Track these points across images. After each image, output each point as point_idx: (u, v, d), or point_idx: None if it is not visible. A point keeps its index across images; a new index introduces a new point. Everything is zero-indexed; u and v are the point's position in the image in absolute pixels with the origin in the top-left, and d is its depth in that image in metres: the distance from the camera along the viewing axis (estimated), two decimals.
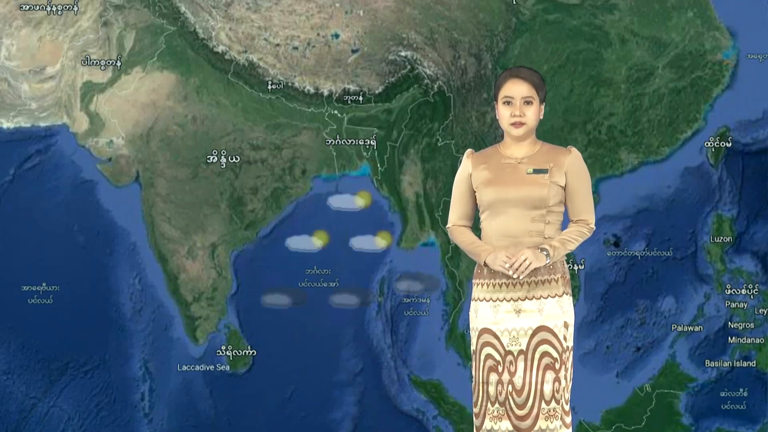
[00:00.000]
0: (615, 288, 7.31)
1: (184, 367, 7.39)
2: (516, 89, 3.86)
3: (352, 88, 7.32)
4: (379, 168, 7.29)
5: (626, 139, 7.25)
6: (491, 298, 3.86)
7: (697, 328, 7.24)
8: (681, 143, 7.24)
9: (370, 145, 7.28)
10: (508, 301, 3.83)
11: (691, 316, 7.27)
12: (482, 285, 3.89)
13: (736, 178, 7.23)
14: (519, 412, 3.78)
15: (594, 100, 7.25)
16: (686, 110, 7.24)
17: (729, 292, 7.21)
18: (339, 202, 7.19)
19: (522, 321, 3.80)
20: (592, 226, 3.93)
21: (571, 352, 3.85)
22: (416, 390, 7.38)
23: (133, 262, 7.43)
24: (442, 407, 7.36)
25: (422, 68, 7.32)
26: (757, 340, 7.19)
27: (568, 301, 3.84)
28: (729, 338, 7.20)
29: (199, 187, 7.37)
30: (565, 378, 3.80)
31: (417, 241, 7.37)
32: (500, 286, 3.85)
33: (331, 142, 7.28)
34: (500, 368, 3.80)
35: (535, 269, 3.81)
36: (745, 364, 7.19)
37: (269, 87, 7.33)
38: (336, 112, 7.31)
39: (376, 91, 7.33)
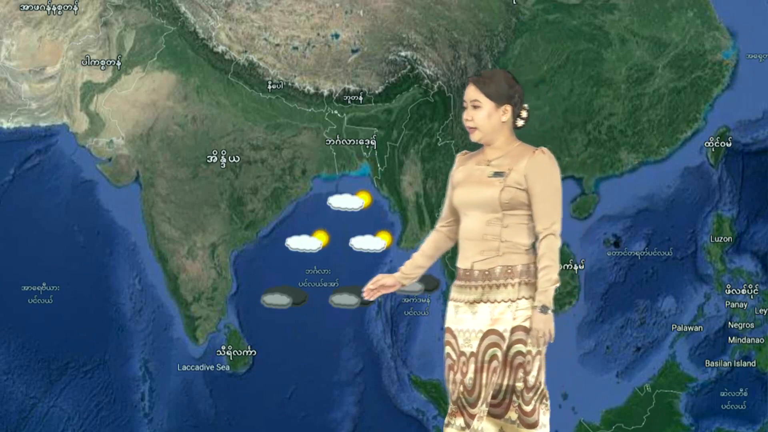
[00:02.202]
0: (615, 288, 7.31)
1: (184, 367, 7.39)
2: (466, 93, 3.87)
3: (352, 88, 7.32)
4: (379, 168, 7.30)
5: (626, 139, 7.25)
6: (456, 299, 3.90)
7: (697, 328, 7.24)
8: (681, 143, 7.24)
9: (370, 145, 7.28)
10: (465, 303, 3.85)
11: (691, 316, 7.27)
12: (453, 286, 3.95)
13: (736, 178, 7.23)
14: (471, 411, 3.81)
15: (594, 100, 7.25)
16: (686, 110, 7.24)
17: (729, 292, 7.21)
18: (339, 202, 7.19)
19: (475, 323, 3.82)
20: (553, 230, 3.84)
21: (537, 357, 3.82)
22: (416, 390, 7.38)
23: (133, 262, 7.43)
24: (442, 407, 7.37)
25: (422, 68, 7.32)
26: (757, 340, 7.19)
27: (527, 306, 3.81)
28: (729, 338, 7.20)
29: (199, 187, 7.38)
30: (524, 381, 3.81)
31: (417, 241, 7.37)
32: (462, 288, 3.88)
33: (331, 142, 7.28)
34: (455, 368, 3.84)
35: (491, 273, 3.81)
36: (745, 364, 7.19)
37: (269, 87, 7.33)
38: (336, 112, 7.31)
39: (376, 91, 7.33)
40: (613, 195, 7.26)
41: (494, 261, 3.82)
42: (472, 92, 3.86)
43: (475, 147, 3.95)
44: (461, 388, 3.83)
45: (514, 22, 7.31)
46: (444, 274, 7.30)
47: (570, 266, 7.23)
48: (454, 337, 3.88)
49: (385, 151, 7.30)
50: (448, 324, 3.91)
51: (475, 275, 3.84)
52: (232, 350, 7.35)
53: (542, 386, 3.90)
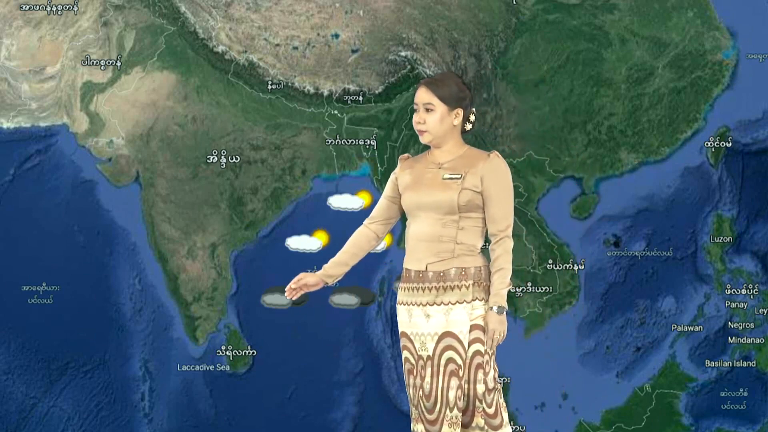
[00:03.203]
0: (615, 288, 7.31)
1: (184, 367, 7.39)
2: (418, 96, 3.91)
3: (352, 88, 7.32)
4: (379, 168, 7.30)
5: (626, 139, 7.25)
6: (406, 302, 3.91)
7: (697, 328, 7.24)
8: (681, 143, 7.24)
9: (370, 145, 7.28)
10: (418, 305, 3.86)
11: (691, 316, 7.27)
12: (401, 288, 3.95)
13: (736, 178, 7.23)
14: (429, 417, 3.82)
15: (594, 100, 7.25)
16: (686, 110, 7.24)
17: (729, 292, 7.21)
18: (339, 202, 7.19)
19: (429, 326, 3.83)
20: (508, 233, 3.87)
21: (493, 356, 3.83)
22: None
23: (133, 262, 7.43)
24: None
25: (422, 68, 7.32)
26: (757, 340, 7.19)
27: (482, 307, 3.82)
28: (729, 338, 7.20)
29: (199, 187, 7.38)
30: (485, 382, 3.81)
31: None
32: (412, 290, 3.89)
33: (331, 142, 7.28)
34: (414, 372, 3.85)
35: (446, 275, 3.82)
36: (745, 364, 7.19)
37: (269, 87, 7.33)
38: (336, 112, 7.31)
39: (376, 91, 7.33)
40: (613, 195, 7.26)
41: (450, 263, 3.85)
42: (425, 95, 3.90)
43: (421, 150, 3.98)
44: (420, 393, 3.85)
45: (514, 22, 7.30)
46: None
47: (570, 266, 7.23)
48: (411, 341, 3.89)
49: (385, 151, 7.30)
50: (402, 329, 3.93)
51: (429, 277, 3.87)
52: (232, 350, 7.35)
53: (498, 385, 3.92)
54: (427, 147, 3.95)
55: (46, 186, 7.42)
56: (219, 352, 7.37)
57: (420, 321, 3.82)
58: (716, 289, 7.25)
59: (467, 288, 3.79)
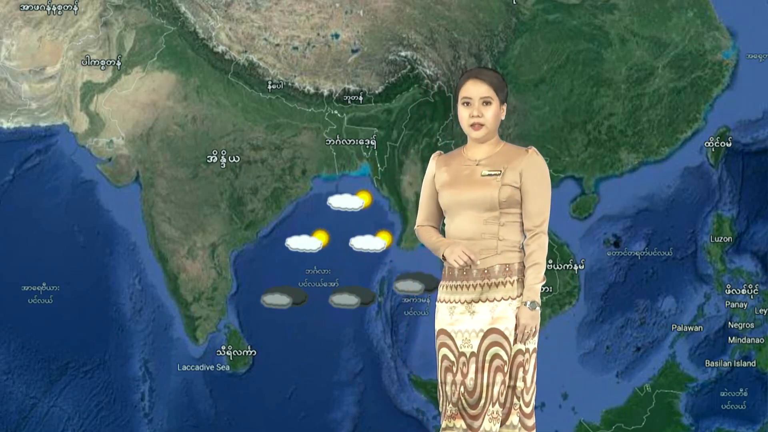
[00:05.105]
0: (615, 288, 7.31)
1: (184, 367, 7.39)
2: (474, 89, 3.84)
3: (352, 88, 7.32)
4: (379, 168, 7.30)
5: (626, 139, 7.25)
6: (449, 300, 3.88)
7: (697, 328, 7.25)
8: (681, 143, 7.25)
9: (370, 145, 7.28)
10: (462, 303, 3.84)
11: (691, 316, 7.27)
12: (443, 287, 3.93)
13: (736, 178, 7.23)
14: (471, 412, 3.80)
15: (594, 100, 7.26)
16: (686, 110, 7.24)
17: (729, 292, 7.21)
18: (339, 202, 7.19)
19: (474, 323, 3.81)
20: (543, 228, 3.86)
21: (533, 355, 3.84)
22: (416, 390, 7.38)
23: (133, 262, 7.43)
24: None
25: (422, 68, 7.32)
26: (757, 340, 7.19)
27: None
28: (729, 338, 7.21)
29: (199, 187, 7.38)
30: (524, 380, 3.82)
31: (417, 241, 7.37)
32: (456, 288, 3.87)
33: (331, 142, 7.28)
34: (454, 369, 3.83)
35: (491, 271, 3.82)
36: (745, 364, 7.19)
37: (269, 87, 7.33)
38: (336, 112, 7.31)
39: (376, 91, 7.33)
40: (613, 195, 7.26)
41: (493, 259, 3.84)
42: (483, 88, 3.86)
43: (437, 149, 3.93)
44: (462, 389, 3.83)
45: (514, 22, 7.31)
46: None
47: (570, 266, 7.23)
48: (451, 338, 3.87)
49: (385, 151, 7.30)
50: (441, 326, 3.91)
51: (473, 274, 3.85)
52: (232, 350, 7.35)
53: (535, 386, 3.93)
54: (447, 147, 3.93)
55: (46, 186, 7.42)
56: (219, 352, 7.37)
57: (463, 318, 3.81)
58: (716, 289, 7.25)
59: (512, 284, 3.79)
